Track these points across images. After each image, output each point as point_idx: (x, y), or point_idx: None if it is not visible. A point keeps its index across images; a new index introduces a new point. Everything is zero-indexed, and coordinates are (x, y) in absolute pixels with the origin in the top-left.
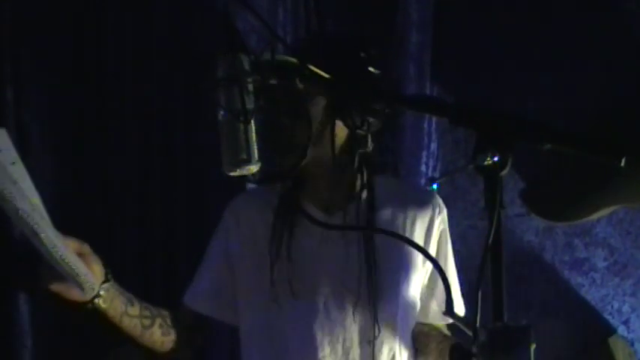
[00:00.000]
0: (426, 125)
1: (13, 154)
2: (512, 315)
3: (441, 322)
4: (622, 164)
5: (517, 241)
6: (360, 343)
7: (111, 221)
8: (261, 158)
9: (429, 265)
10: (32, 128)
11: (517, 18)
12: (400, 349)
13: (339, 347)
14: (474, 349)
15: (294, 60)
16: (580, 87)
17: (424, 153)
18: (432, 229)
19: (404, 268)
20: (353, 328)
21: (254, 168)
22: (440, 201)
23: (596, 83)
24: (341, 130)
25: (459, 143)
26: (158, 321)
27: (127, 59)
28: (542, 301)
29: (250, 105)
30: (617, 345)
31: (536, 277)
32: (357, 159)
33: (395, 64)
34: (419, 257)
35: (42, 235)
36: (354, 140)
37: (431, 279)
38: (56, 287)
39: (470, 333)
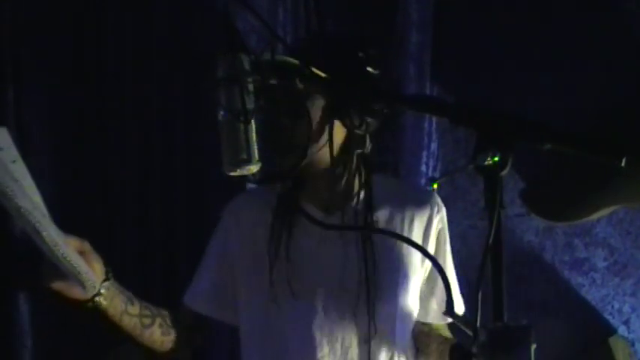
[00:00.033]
0: (426, 125)
1: (13, 152)
2: (513, 315)
3: (441, 321)
4: (622, 164)
5: (517, 241)
6: (359, 342)
7: (111, 221)
8: (261, 158)
9: (428, 265)
10: (32, 128)
11: (517, 18)
12: (399, 349)
13: (338, 347)
14: (474, 349)
15: (293, 60)
16: (580, 87)
17: (424, 153)
18: (430, 228)
19: (402, 268)
20: (352, 328)
21: (254, 168)
22: (438, 200)
23: (596, 83)
24: (339, 130)
25: (459, 143)
26: (158, 320)
27: (127, 59)
28: (542, 301)
29: (250, 105)
30: (617, 345)
31: (536, 277)
32: (355, 159)
33: (395, 64)
34: (417, 257)
35: (44, 233)
36: (352, 141)
37: (430, 278)
38: (57, 285)
39: (470, 333)
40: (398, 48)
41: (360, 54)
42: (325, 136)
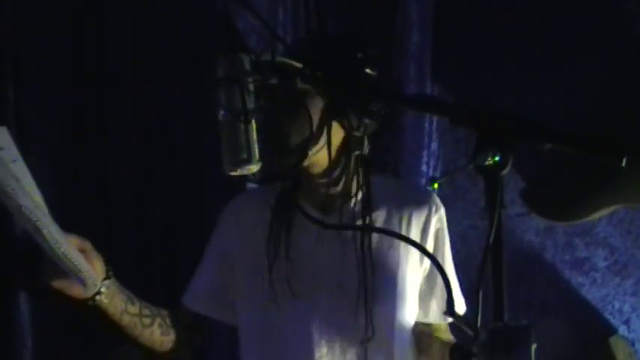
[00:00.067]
0: (426, 125)
1: (14, 152)
2: (513, 315)
3: (441, 321)
4: (622, 164)
5: (517, 240)
6: (358, 343)
7: (111, 221)
8: (261, 158)
9: (427, 265)
10: (32, 128)
11: (517, 18)
12: (398, 349)
13: (337, 347)
14: (475, 349)
15: (292, 62)
16: (580, 87)
17: (425, 152)
18: (427, 228)
19: (400, 269)
20: (351, 328)
21: (254, 168)
22: (437, 200)
23: (596, 83)
24: (337, 132)
25: (460, 143)
26: (157, 320)
27: (127, 59)
28: (542, 301)
29: (251, 105)
30: (617, 345)
31: (536, 277)
32: (353, 161)
33: (395, 64)
34: (416, 257)
35: (44, 232)
36: (350, 142)
37: (429, 278)
38: (58, 284)
39: (470, 332)
40: (398, 48)
41: (359, 55)
42: (323, 138)
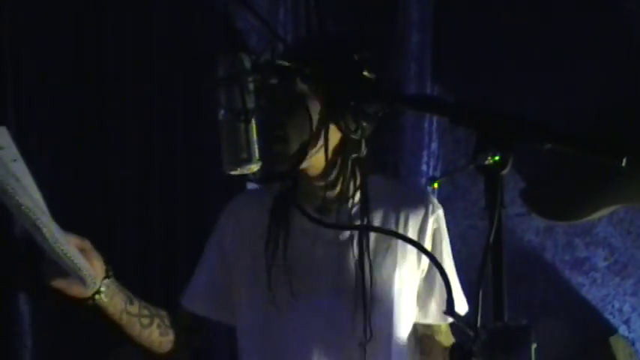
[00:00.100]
0: (426, 125)
1: (14, 151)
2: (513, 315)
3: (441, 321)
4: (623, 164)
5: (517, 240)
6: (356, 344)
7: (111, 221)
8: (261, 157)
9: (425, 266)
10: (32, 128)
11: (517, 18)
12: (396, 351)
13: (335, 348)
14: (475, 349)
15: (291, 62)
16: (580, 87)
17: (425, 152)
18: (424, 228)
19: (398, 270)
20: (349, 330)
21: (254, 167)
22: (434, 200)
23: (596, 83)
24: (334, 135)
25: (460, 143)
26: (156, 321)
27: (127, 59)
28: (542, 301)
29: (251, 104)
30: (617, 344)
31: (536, 277)
32: (349, 164)
33: (395, 64)
34: (413, 258)
35: (44, 230)
36: (347, 145)
37: (427, 279)
38: (58, 283)
39: (470, 332)
40: (398, 48)
41: (356, 57)
42: (321, 141)
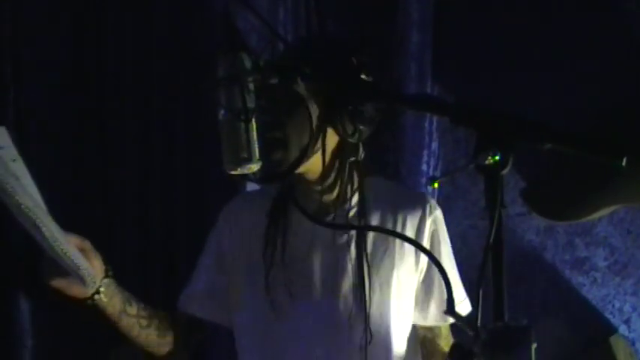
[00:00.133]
0: (426, 124)
1: (13, 151)
2: (513, 314)
3: (441, 322)
4: (623, 164)
5: (518, 240)
6: (354, 346)
7: (111, 221)
8: (261, 157)
9: (423, 267)
10: (32, 128)
11: (517, 18)
12: (394, 351)
13: (334, 350)
14: (475, 349)
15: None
16: (580, 87)
17: (425, 152)
18: (422, 230)
19: (396, 271)
20: (346, 332)
21: (255, 167)
22: (431, 202)
23: (596, 83)
24: (332, 138)
25: (460, 142)
26: (155, 322)
27: (127, 59)
28: (542, 301)
29: (251, 104)
30: (618, 344)
31: (537, 277)
32: (347, 168)
33: (396, 64)
34: (411, 260)
35: (44, 229)
36: (345, 148)
37: (426, 280)
38: (57, 283)
39: (470, 332)
40: (398, 48)
41: (354, 60)
42: (318, 144)
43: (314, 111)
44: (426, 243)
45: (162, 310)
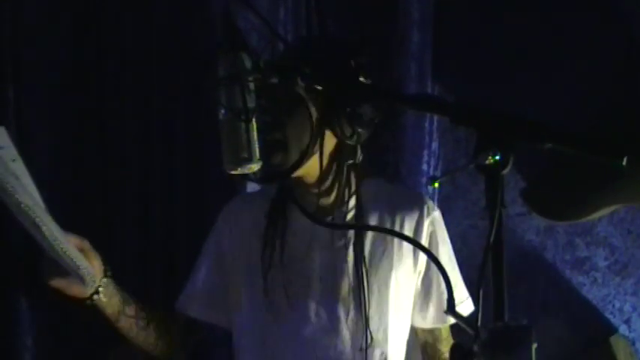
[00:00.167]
0: (427, 124)
1: (13, 151)
2: (513, 314)
3: (441, 324)
4: (623, 164)
5: (518, 240)
6: (352, 348)
7: (111, 221)
8: (262, 157)
9: (422, 268)
10: (32, 128)
11: (517, 18)
12: (392, 353)
13: (331, 352)
14: (475, 349)
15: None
16: (580, 87)
17: (425, 152)
18: (419, 231)
19: (394, 272)
20: (345, 333)
21: (255, 167)
22: (429, 203)
23: (597, 83)
24: (330, 140)
25: (460, 142)
26: (153, 323)
27: (127, 59)
28: (543, 301)
29: (251, 103)
30: (618, 344)
31: (537, 277)
32: (345, 170)
33: (396, 64)
34: (409, 261)
35: (44, 228)
36: (343, 151)
37: (425, 281)
38: (57, 283)
39: (471, 332)
40: (399, 47)
41: (352, 62)
42: (316, 147)
43: (313, 113)
44: (424, 244)
45: (163, 310)
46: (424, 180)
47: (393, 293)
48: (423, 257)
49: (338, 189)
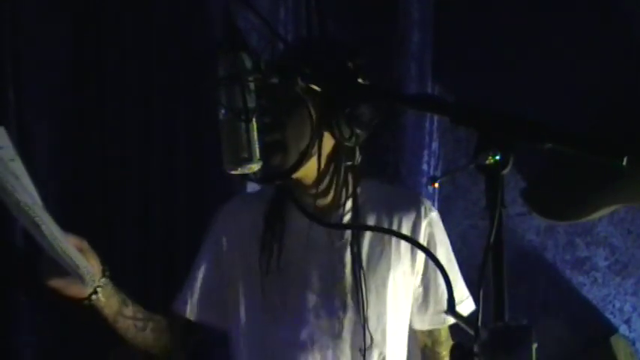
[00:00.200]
0: (427, 124)
1: (12, 151)
2: (514, 314)
3: (439, 325)
4: (623, 164)
5: (518, 240)
6: (351, 349)
7: (111, 221)
8: (262, 157)
9: (420, 268)
10: (33, 128)
11: (517, 18)
12: (391, 354)
13: (330, 354)
14: (475, 349)
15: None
16: (580, 87)
17: (425, 152)
18: (417, 232)
19: (392, 273)
20: (343, 335)
21: (255, 166)
22: (426, 204)
23: (597, 83)
24: (328, 141)
25: (461, 142)
26: (150, 325)
27: (127, 59)
28: (543, 301)
29: (251, 103)
30: (618, 344)
31: (537, 277)
32: (342, 172)
33: (396, 64)
34: (407, 263)
35: (43, 227)
36: (341, 152)
37: (423, 282)
38: (56, 282)
39: (471, 332)
40: (399, 47)
41: (350, 64)
42: (315, 148)
43: (312, 114)
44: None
45: (162, 310)
46: (424, 180)
47: (391, 294)
48: (420, 258)
49: (335, 190)
